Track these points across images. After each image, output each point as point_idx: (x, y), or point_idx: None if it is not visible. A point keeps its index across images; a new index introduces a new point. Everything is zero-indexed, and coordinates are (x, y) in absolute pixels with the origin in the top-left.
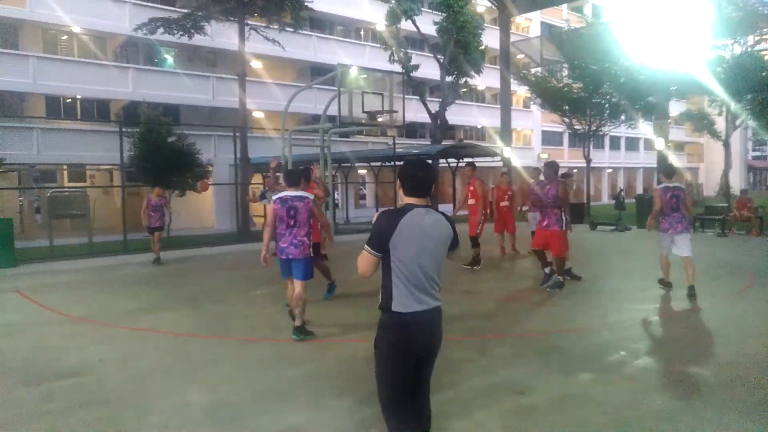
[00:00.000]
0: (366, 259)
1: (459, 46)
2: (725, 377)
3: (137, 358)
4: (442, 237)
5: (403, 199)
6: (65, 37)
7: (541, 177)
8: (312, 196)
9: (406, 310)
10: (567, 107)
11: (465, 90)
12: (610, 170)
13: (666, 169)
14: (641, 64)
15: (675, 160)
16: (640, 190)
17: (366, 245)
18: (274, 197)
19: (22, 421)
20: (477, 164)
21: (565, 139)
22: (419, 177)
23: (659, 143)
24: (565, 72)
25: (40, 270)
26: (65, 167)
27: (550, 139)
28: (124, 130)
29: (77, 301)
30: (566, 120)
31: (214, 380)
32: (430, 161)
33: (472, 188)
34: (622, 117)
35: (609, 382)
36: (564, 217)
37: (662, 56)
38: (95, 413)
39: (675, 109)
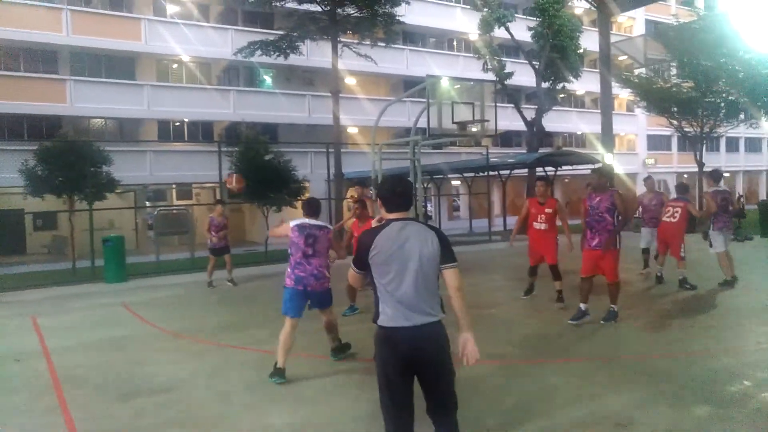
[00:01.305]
0: (351, 275)
1: (555, 50)
2: None
3: (225, 375)
4: (427, 249)
5: (384, 216)
6: (175, 65)
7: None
8: (331, 227)
9: (390, 324)
10: (675, 109)
11: (563, 96)
12: (728, 174)
13: (714, 174)
14: (764, 56)
15: None
16: (763, 196)
17: (352, 261)
18: (292, 223)
19: None
20: (576, 172)
21: (674, 142)
22: (397, 193)
23: None
24: (673, 71)
25: (146, 285)
26: (174, 186)
27: (656, 143)
28: (223, 149)
29: (175, 316)
30: (675, 122)
31: (297, 401)
32: (407, 178)
33: (549, 211)
34: (741, 116)
35: (728, 417)
36: (618, 235)
37: None
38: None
39: None
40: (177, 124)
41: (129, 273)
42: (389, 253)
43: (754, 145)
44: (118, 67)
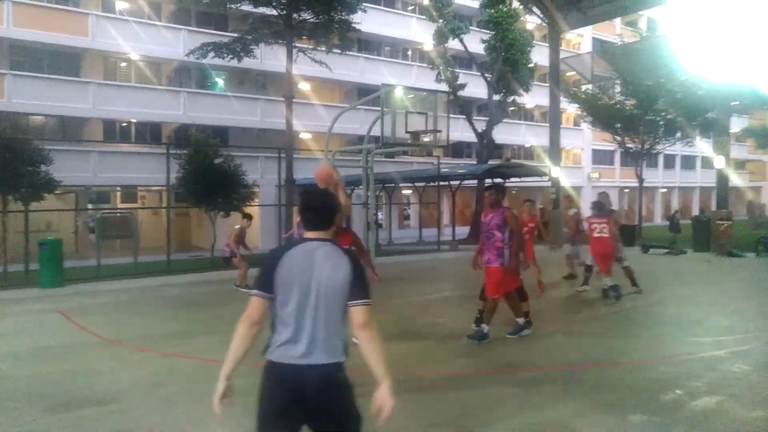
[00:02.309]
0: (251, 303)
1: (507, 64)
2: None
3: (167, 384)
4: (335, 279)
5: (302, 233)
6: (124, 64)
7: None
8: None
9: (278, 359)
10: (619, 125)
11: (513, 108)
12: (664, 190)
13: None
14: (700, 78)
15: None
16: (696, 211)
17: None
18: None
19: None
20: (524, 184)
21: (617, 157)
22: (312, 208)
23: (719, 161)
24: (618, 88)
25: (84, 290)
26: (119, 189)
27: (600, 158)
28: (172, 152)
29: (115, 323)
30: (618, 138)
31: (242, 411)
32: (330, 193)
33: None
34: (678, 134)
35: (663, 426)
36: (506, 251)
37: (724, 69)
38: None
39: (736, 125)
40: (124, 124)
41: (67, 278)
42: (291, 278)
43: (689, 162)
44: (62, 63)
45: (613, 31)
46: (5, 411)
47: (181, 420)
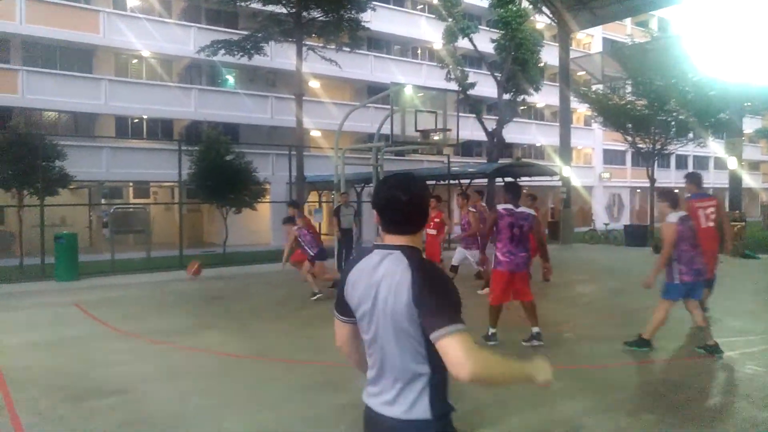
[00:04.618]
0: (336, 326)
1: (517, 63)
2: None
3: (180, 377)
4: (395, 303)
5: (382, 236)
6: (135, 60)
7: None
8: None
9: (364, 399)
10: (630, 125)
11: (523, 108)
12: (677, 191)
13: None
14: (712, 78)
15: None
16: None
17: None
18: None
19: None
20: (534, 183)
21: (628, 158)
22: (394, 201)
23: (732, 162)
24: (628, 89)
25: (99, 284)
26: (131, 184)
27: (611, 158)
28: (184, 148)
29: (130, 316)
30: (629, 138)
31: (254, 405)
32: (411, 177)
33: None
34: (690, 135)
35: (674, 425)
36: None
37: (737, 69)
38: None
39: (749, 125)
40: (136, 120)
41: (82, 271)
42: (358, 301)
43: (701, 163)
44: (75, 59)
45: (624, 31)
46: (24, 400)
47: (195, 412)
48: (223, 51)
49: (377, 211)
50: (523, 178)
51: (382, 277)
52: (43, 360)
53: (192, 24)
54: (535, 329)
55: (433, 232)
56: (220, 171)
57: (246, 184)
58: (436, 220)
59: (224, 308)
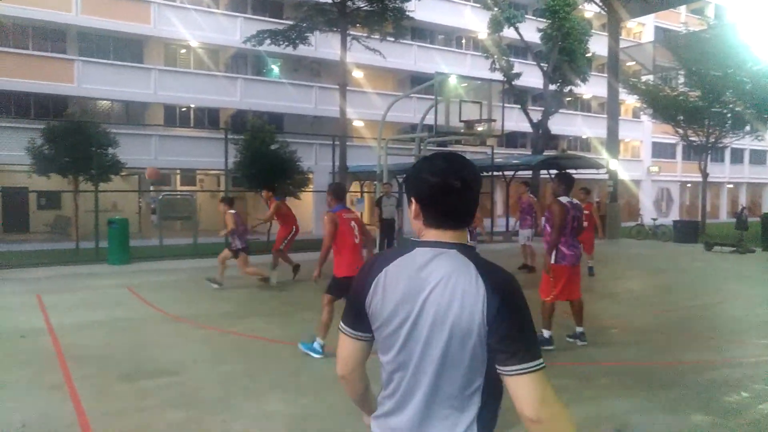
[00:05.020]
0: (340, 343)
1: (564, 53)
2: None
3: (227, 361)
4: (459, 318)
5: (421, 234)
6: (183, 50)
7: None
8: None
9: (376, 429)
10: (682, 117)
11: (569, 99)
12: (731, 186)
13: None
14: None
15: None
16: (766, 208)
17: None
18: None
19: (121, 416)
20: (580, 176)
21: (679, 151)
22: (442, 188)
23: None
24: (681, 79)
25: (148, 268)
26: (178, 172)
27: (661, 151)
28: (230, 137)
29: (178, 300)
30: (680, 131)
31: (298, 389)
32: (463, 157)
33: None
34: (747, 128)
35: (725, 427)
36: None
37: None
38: (183, 414)
39: None
40: (183, 109)
41: (132, 255)
42: (387, 312)
43: (758, 157)
44: (126, 49)
45: (677, 19)
46: (82, 377)
47: (241, 394)
48: (268, 41)
49: (422, 201)
50: (569, 171)
51: (434, 282)
52: (98, 339)
53: (238, 14)
54: (580, 329)
55: None
56: (264, 160)
57: (290, 173)
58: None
59: (269, 295)
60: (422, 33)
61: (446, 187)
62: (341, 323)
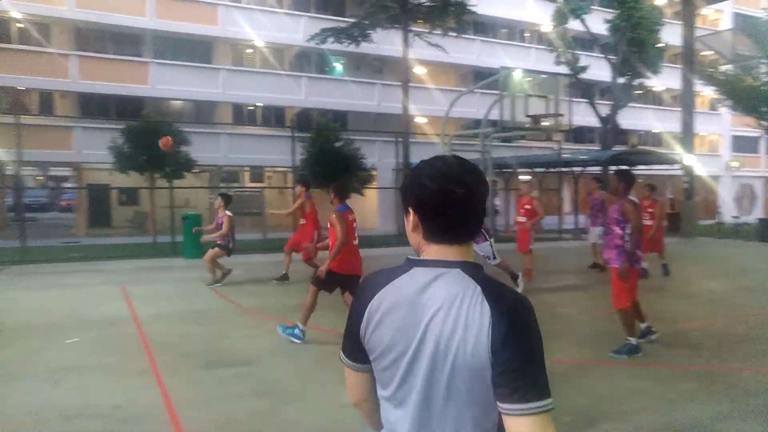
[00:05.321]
0: (346, 373)
1: (633, 44)
2: None
3: (302, 353)
4: (463, 349)
5: (421, 249)
6: (249, 50)
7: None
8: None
9: None
10: (766, 109)
11: (639, 92)
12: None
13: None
14: None
15: None
16: None
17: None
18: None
19: (204, 402)
20: (652, 172)
21: (762, 145)
22: (444, 197)
23: None
24: (764, 68)
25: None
26: (247, 169)
27: (742, 145)
28: (296, 135)
29: (250, 294)
30: (764, 123)
31: None
32: (465, 161)
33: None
34: None
35: None
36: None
37: None
38: (263, 403)
39: None
40: (251, 108)
41: (205, 250)
42: (384, 341)
43: None
44: (196, 50)
45: (758, 4)
46: (164, 364)
47: (317, 386)
48: (331, 39)
49: (420, 211)
50: (640, 167)
51: (434, 308)
52: (178, 329)
53: (302, 13)
54: (644, 324)
55: (522, 219)
56: (329, 157)
57: (354, 170)
58: (527, 206)
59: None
60: (484, 27)
61: (448, 195)
62: (341, 352)
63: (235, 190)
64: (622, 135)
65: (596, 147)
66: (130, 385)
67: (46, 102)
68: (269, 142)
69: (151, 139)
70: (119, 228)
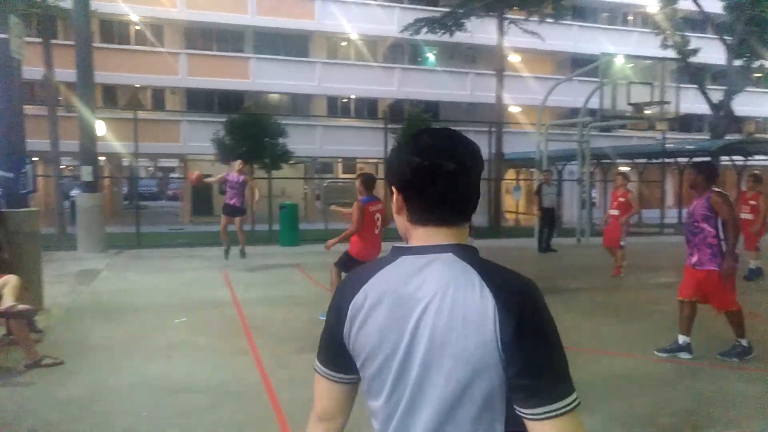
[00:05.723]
0: (316, 385)
1: (753, 23)
2: None
3: None
4: (460, 345)
5: (408, 234)
6: (344, 43)
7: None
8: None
9: None
10: None
11: (758, 75)
12: None
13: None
14: None
15: None
16: None
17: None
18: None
19: (301, 384)
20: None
21: None
22: (432, 173)
23: None
24: None
25: (316, 250)
26: (340, 160)
27: None
28: (388, 126)
29: None
30: None
31: None
32: (459, 134)
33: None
34: None
35: None
36: (722, 250)
37: None
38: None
39: None
40: (344, 100)
41: (300, 238)
42: (371, 343)
43: None
44: (294, 45)
45: None
46: (263, 346)
47: None
48: (425, 29)
49: (404, 189)
50: (757, 157)
51: (426, 299)
52: (275, 313)
53: (395, 4)
54: (686, 338)
55: (615, 212)
56: None
57: None
58: (621, 199)
59: None
60: (583, 11)
61: (435, 170)
62: (316, 361)
63: (329, 181)
64: (736, 123)
65: (704, 136)
66: (233, 364)
67: (158, 98)
68: (362, 134)
69: (251, 131)
70: (219, 216)
